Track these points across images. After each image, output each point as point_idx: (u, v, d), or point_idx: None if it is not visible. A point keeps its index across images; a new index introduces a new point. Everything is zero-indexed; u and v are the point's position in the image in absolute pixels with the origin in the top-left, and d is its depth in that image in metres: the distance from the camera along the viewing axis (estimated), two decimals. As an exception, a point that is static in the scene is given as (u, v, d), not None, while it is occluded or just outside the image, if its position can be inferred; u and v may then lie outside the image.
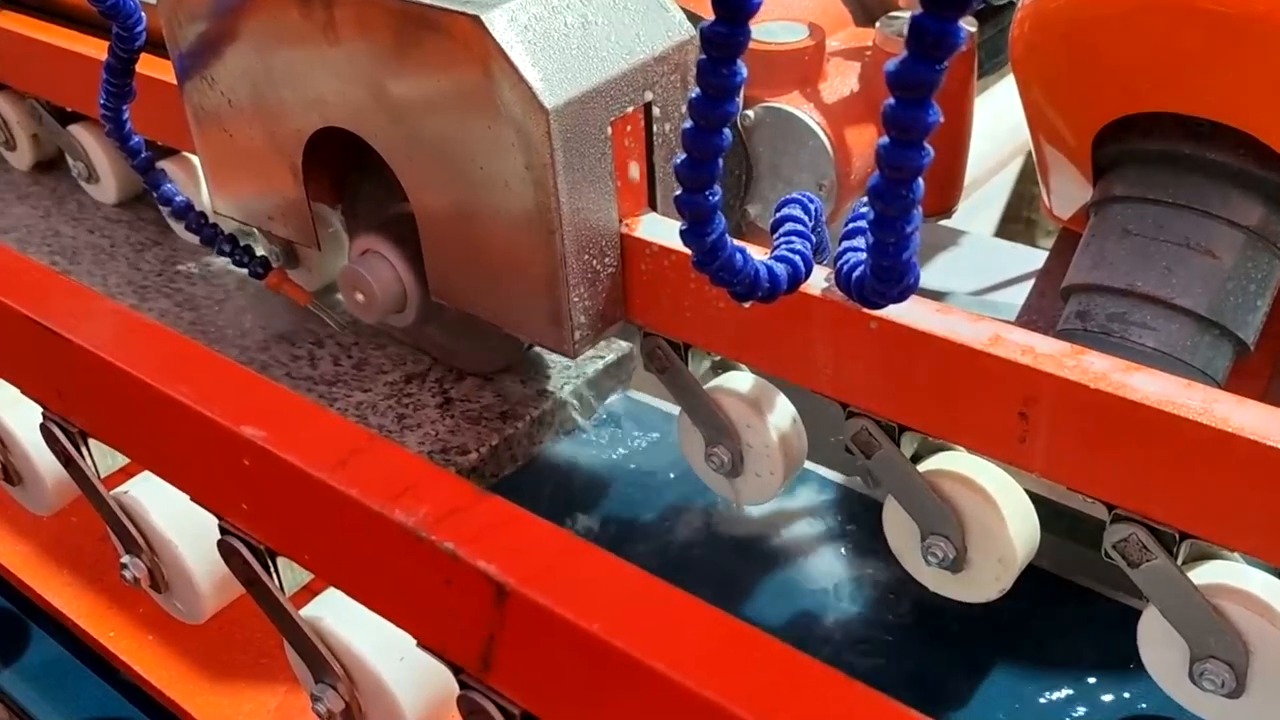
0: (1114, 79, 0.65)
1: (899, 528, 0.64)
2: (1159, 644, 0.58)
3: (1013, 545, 0.61)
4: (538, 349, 0.85)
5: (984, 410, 0.57)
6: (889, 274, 0.48)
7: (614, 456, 0.82)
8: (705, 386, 0.70)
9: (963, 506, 0.61)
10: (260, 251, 0.86)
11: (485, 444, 0.80)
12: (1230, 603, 0.54)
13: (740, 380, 0.69)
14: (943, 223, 1.00)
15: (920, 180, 0.42)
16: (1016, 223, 1.88)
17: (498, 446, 0.80)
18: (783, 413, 0.69)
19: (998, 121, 1.05)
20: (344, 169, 0.78)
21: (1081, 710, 0.64)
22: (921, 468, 0.62)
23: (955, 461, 0.62)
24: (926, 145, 0.40)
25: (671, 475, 0.80)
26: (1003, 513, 0.60)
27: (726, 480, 0.71)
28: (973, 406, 0.57)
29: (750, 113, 0.80)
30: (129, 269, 1.00)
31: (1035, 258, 1.02)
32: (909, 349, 0.58)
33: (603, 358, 0.85)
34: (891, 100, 0.39)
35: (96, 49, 0.92)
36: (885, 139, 0.41)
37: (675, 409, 0.73)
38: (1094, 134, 0.67)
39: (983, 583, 0.63)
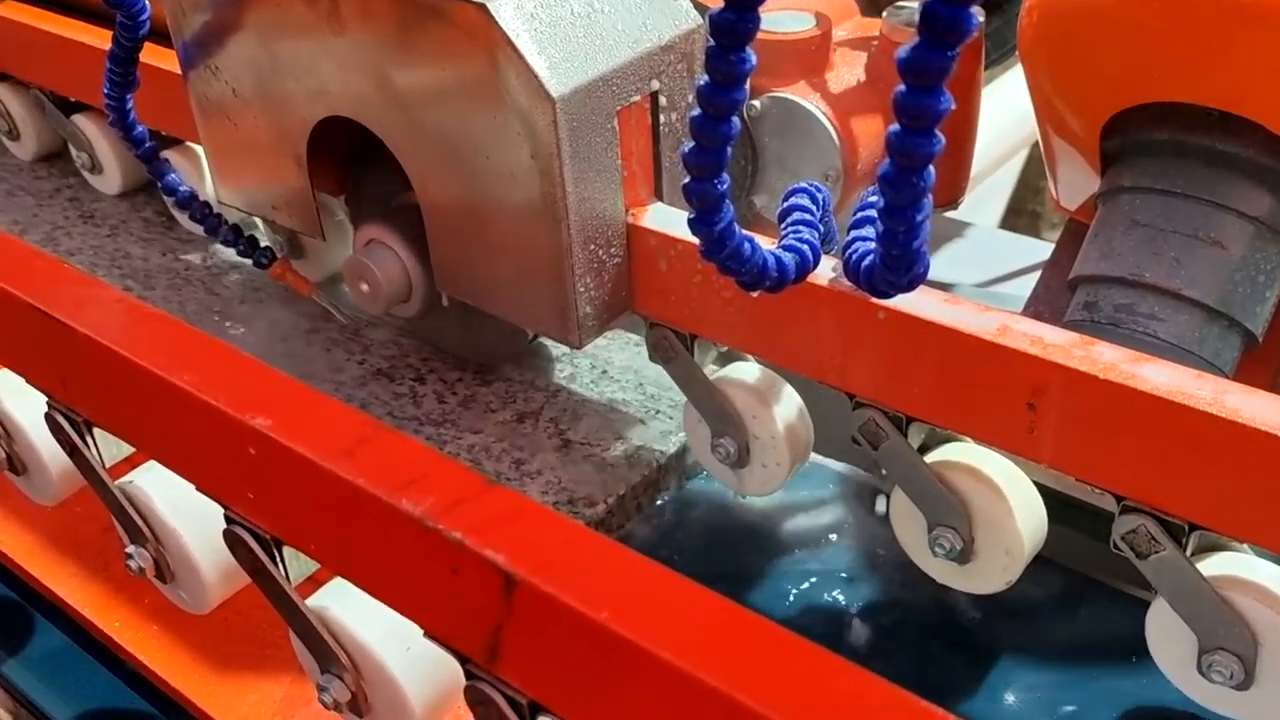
0: (1123, 69, 0.64)
1: (906, 519, 0.64)
2: (1167, 636, 0.57)
3: (1020, 537, 0.61)
4: (543, 340, 0.85)
5: (992, 401, 0.57)
6: (899, 263, 0.48)
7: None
8: (712, 377, 0.69)
9: (970, 498, 0.61)
10: (264, 242, 0.86)
11: (612, 494, 0.74)
12: (1239, 594, 0.54)
13: (746, 371, 0.69)
14: (947, 214, 0.99)
15: (931, 168, 0.42)
16: (1021, 215, 1.88)
17: (625, 496, 0.75)
18: (789, 404, 0.68)
19: (1003, 114, 1.05)
20: (349, 158, 0.78)
21: (1089, 702, 0.64)
22: (929, 459, 0.62)
23: (963, 452, 0.62)
24: (938, 133, 0.40)
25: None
26: (1010, 504, 0.60)
27: (732, 471, 0.71)
28: (981, 397, 0.57)
29: (756, 103, 0.79)
30: (207, 294, 0.94)
31: (1040, 250, 1.02)
32: (917, 339, 0.58)
33: None
34: (902, 87, 0.39)
35: (100, 38, 0.91)
36: (896, 126, 0.40)
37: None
38: (1102, 124, 0.67)
39: (990, 574, 0.63)
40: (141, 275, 0.97)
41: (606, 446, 0.78)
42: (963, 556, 0.62)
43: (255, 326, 0.90)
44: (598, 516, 0.73)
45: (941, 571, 0.64)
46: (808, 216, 0.59)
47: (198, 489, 0.55)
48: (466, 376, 0.84)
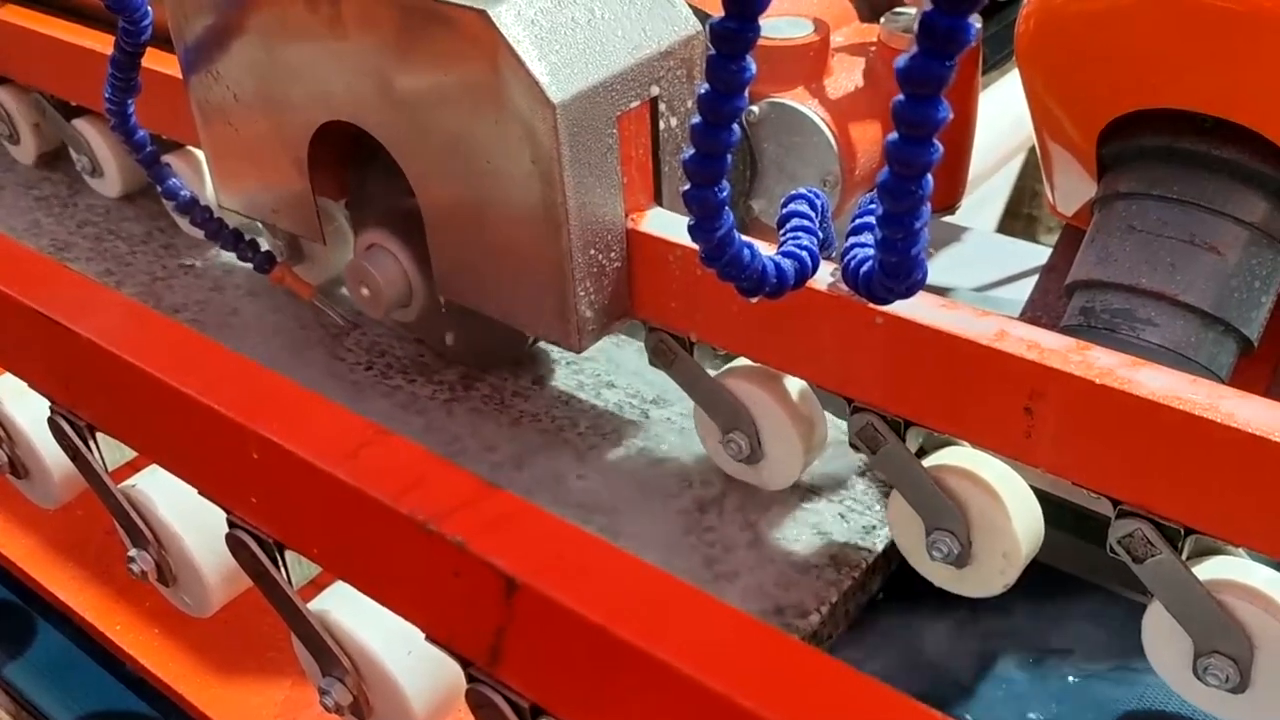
0: (1119, 75, 0.65)
1: (904, 523, 0.65)
2: (1163, 639, 0.58)
3: (1017, 540, 0.61)
4: (543, 344, 0.85)
5: (989, 405, 0.57)
6: (897, 270, 0.48)
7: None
8: (714, 375, 0.70)
9: (968, 502, 0.61)
10: (265, 246, 0.86)
11: (825, 602, 0.65)
12: (1235, 598, 0.54)
13: (747, 361, 0.69)
14: (944, 219, 1.00)
15: (929, 176, 0.42)
16: (1018, 219, 1.88)
17: (836, 604, 0.66)
18: (793, 388, 0.68)
19: (1000, 118, 1.05)
20: (349, 163, 0.78)
21: (1085, 705, 0.64)
22: (926, 463, 0.62)
23: (960, 457, 0.62)
24: (936, 141, 0.40)
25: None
26: (1007, 508, 0.60)
27: (749, 468, 0.71)
28: (978, 401, 0.57)
29: (755, 108, 0.80)
30: (329, 358, 0.87)
31: (1037, 254, 1.02)
32: (915, 344, 0.58)
33: None
34: (901, 96, 0.39)
35: (102, 43, 0.92)
36: (894, 135, 0.41)
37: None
38: (1099, 130, 0.67)
39: (987, 578, 0.63)
40: (238, 327, 0.89)
41: (805, 541, 0.69)
42: (960, 560, 0.62)
43: (396, 398, 0.83)
44: (811, 628, 0.65)
45: (939, 575, 0.65)
46: (806, 222, 0.59)
47: (200, 493, 0.56)
48: (632, 455, 0.76)
